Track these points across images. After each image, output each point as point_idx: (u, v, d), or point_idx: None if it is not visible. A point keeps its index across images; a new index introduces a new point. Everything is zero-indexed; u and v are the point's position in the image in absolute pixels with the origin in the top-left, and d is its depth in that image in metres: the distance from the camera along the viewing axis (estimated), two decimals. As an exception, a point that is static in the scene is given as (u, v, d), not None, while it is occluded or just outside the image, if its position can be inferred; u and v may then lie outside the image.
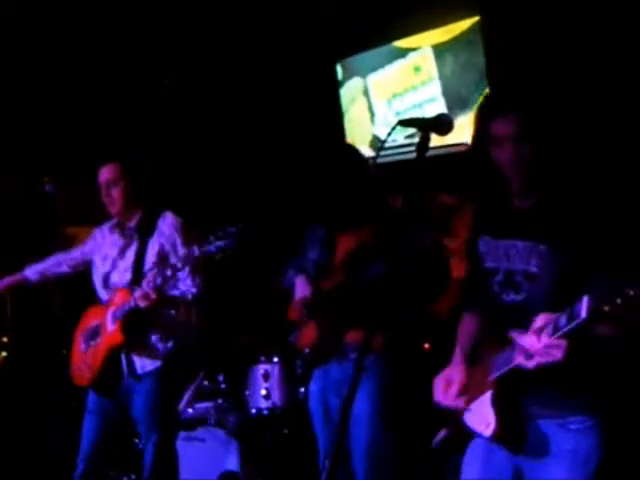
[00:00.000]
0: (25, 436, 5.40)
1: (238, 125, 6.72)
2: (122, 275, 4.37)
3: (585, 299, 2.14)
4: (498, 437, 2.52)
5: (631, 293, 2.03)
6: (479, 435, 2.59)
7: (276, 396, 5.02)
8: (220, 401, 5.03)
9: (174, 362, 4.38)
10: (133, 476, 4.72)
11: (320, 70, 6.49)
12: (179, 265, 4.00)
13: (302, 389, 4.93)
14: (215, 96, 6.71)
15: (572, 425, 2.50)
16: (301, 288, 4.24)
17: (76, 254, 4.70)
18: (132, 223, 4.45)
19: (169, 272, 4.01)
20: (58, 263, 4.72)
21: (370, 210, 4.10)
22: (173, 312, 4.33)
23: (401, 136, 5.82)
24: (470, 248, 2.80)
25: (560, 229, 2.47)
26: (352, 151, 4.41)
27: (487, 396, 2.58)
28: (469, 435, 2.68)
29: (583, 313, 2.14)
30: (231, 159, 6.72)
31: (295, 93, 6.43)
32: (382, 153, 5.25)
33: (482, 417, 2.57)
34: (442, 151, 5.16)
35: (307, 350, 4.31)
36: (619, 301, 2.04)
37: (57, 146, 4.49)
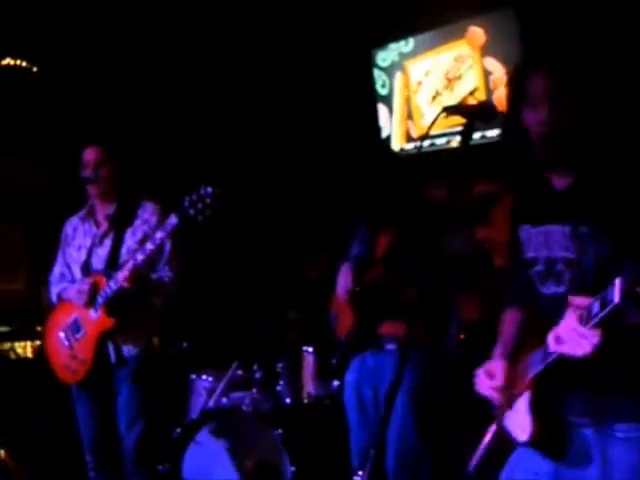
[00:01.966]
0: (62, 423, 5.41)
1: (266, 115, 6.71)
2: (102, 263, 4.34)
3: (617, 282, 1.96)
4: (534, 443, 2.31)
5: None
6: (514, 440, 2.39)
7: (310, 386, 5.01)
8: (254, 391, 5.01)
9: (159, 345, 4.40)
10: (166, 465, 4.70)
11: (357, 57, 6.45)
12: (159, 236, 3.94)
13: (336, 382, 4.92)
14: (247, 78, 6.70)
15: (619, 433, 2.25)
16: (343, 279, 4.25)
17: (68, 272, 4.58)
18: (109, 211, 4.43)
19: (150, 246, 3.96)
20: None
21: (406, 209, 4.13)
22: (154, 299, 4.30)
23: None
24: (511, 239, 2.60)
25: (602, 207, 2.23)
26: (391, 157, 4.46)
27: (525, 398, 2.37)
28: (509, 443, 2.46)
29: (616, 297, 1.95)
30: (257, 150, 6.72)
31: (330, 82, 6.42)
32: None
33: (519, 421, 2.37)
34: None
35: (343, 338, 4.32)
36: None
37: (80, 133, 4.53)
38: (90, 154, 4.39)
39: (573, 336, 2.08)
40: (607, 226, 2.21)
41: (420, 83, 6.23)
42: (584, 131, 2.27)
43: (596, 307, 2.03)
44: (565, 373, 2.23)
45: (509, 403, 2.45)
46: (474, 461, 2.55)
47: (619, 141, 2.32)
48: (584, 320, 2.06)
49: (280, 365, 5.09)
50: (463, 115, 2.29)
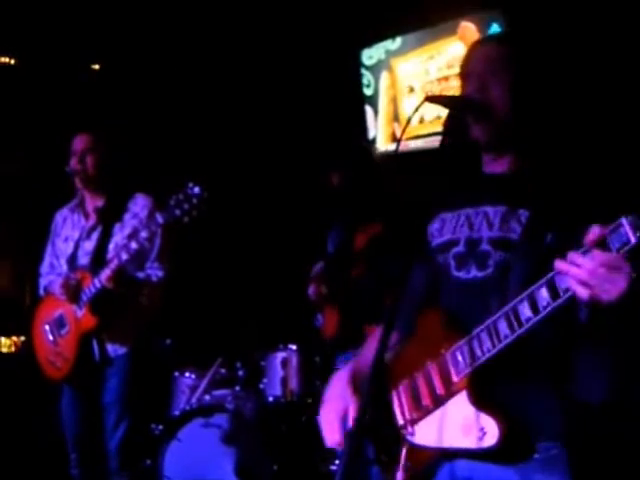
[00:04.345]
0: (45, 419, 5.40)
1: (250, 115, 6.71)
2: (88, 257, 4.28)
3: (624, 221, 1.75)
4: (506, 440, 1.97)
5: None
6: (469, 452, 2.04)
7: (294, 384, 5.00)
8: (237, 388, 4.99)
9: (145, 345, 4.36)
10: (148, 462, 4.68)
11: (344, 56, 6.43)
12: (143, 235, 3.87)
13: (318, 382, 4.91)
14: (233, 77, 6.70)
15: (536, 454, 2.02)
16: (312, 284, 4.27)
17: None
18: (98, 203, 4.35)
19: (134, 245, 3.88)
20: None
21: (383, 206, 4.12)
22: (141, 299, 4.25)
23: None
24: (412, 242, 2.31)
25: (547, 194, 2.06)
26: (364, 153, 4.45)
27: (457, 402, 2.07)
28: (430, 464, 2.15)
29: (632, 237, 1.74)
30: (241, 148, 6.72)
31: (318, 79, 6.41)
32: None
33: (463, 429, 2.04)
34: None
35: (328, 338, 4.34)
36: None
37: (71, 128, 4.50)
38: (78, 143, 4.31)
39: (603, 273, 1.78)
40: (549, 217, 2.04)
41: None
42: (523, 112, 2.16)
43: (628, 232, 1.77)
44: (503, 366, 2.01)
45: (414, 419, 2.19)
46: None
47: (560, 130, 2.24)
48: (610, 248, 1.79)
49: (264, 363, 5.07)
50: (445, 105, 2.22)
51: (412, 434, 2.18)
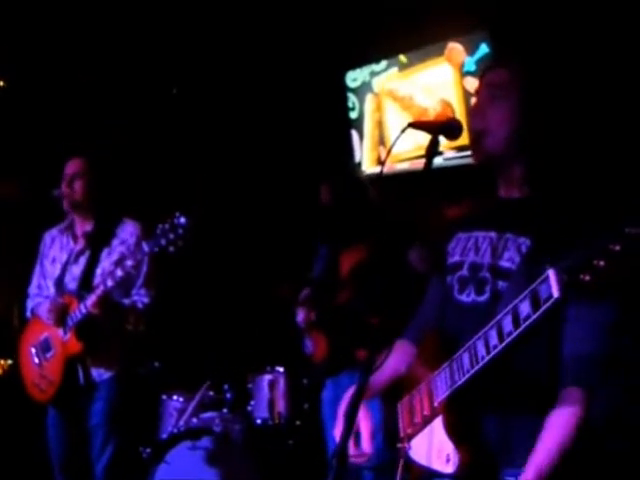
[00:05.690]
0: (31, 443, 5.38)
1: (239, 132, 6.72)
2: (75, 282, 4.30)
3: (551, 273, 1.78)
4: (463, 472, 2.01)
5: (617, 248, 1.61)
6: (439, 475, 2.09)
7: (281, 406, 5.00)
8: (225, 411, 4.99)
9: (130, 369, 4.37)
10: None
11: (330, 78, 6.44)
12: (129, 263, 3.90)
13: (306, 405, 4.92)
14: (219, 102, 6.72)
15: (509, 477, 2.02)
16: (302, 310, 4.28)
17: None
18: (87, 227, 4.39)
19: (119, 272, 3.91)
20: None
21: (370, 226, 4.14)
22: (126, 325, 4.25)
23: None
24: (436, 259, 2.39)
25: (549, 224, 2.06)
26: (353, 176, 4.50)
27: (437, 425, 2.11)
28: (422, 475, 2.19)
29: (555, 291, 1.78)
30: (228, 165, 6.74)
31: (304, 102, 6.44)
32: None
33: (437, 452, 2.09)
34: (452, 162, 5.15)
35: (319, 362, 4.34)
36: (602, 264, 1.62)
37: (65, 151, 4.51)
38: (69, 167, 4.36)
39: None
40: (550, 246, 2.00)
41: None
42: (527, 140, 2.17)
43: (525, 308, 1.86)
44: (478, 394, 2.05)
45: (409, 434, 2.26)
46: None
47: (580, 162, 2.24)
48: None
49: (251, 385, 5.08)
50: (428, 131, 2.23)
51: (409, 448, 2.25)
